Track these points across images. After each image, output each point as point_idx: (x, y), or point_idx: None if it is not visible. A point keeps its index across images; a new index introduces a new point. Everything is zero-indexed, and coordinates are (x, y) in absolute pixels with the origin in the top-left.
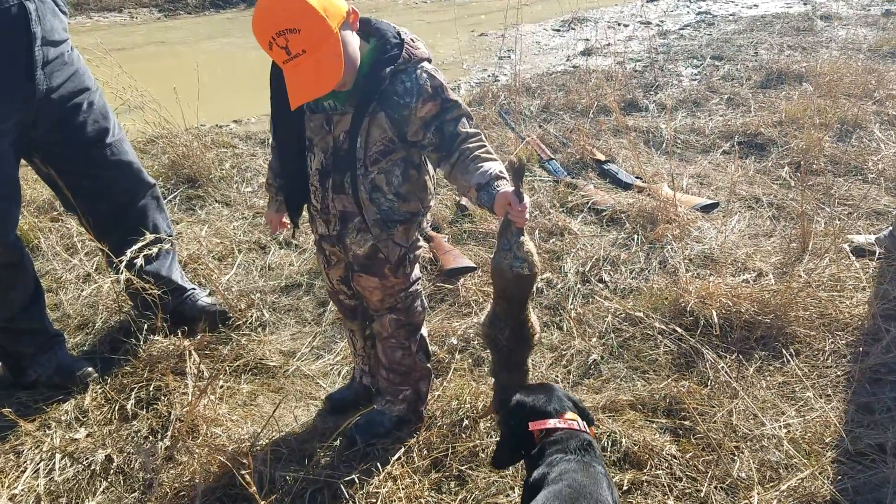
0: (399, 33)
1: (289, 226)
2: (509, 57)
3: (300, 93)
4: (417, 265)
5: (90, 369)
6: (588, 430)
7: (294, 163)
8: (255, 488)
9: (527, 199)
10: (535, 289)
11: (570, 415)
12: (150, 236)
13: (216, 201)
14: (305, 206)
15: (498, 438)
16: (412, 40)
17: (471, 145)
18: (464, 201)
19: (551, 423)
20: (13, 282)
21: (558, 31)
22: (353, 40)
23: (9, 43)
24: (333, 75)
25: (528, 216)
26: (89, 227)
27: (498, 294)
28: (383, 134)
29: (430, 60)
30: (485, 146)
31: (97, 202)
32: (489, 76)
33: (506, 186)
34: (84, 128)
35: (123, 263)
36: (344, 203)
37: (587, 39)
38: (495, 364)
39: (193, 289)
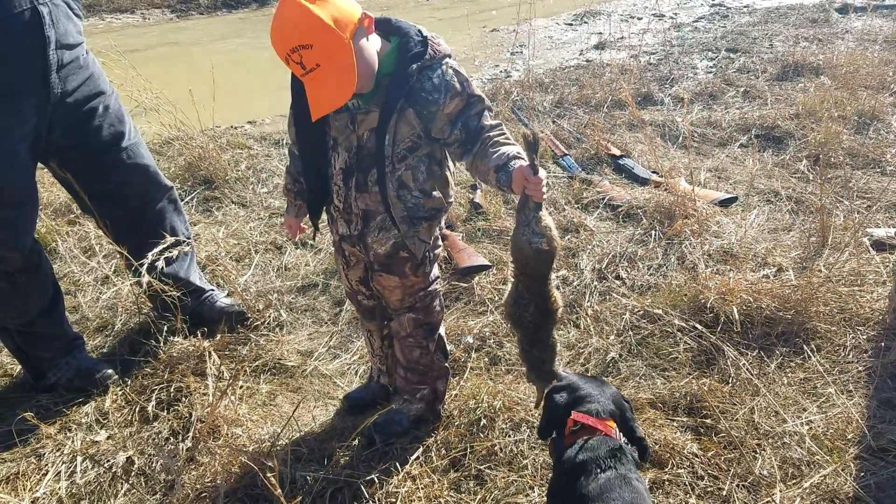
0: (420, 31)
1: (307, 229)
2: (521, 52)
3: (318, 106)
4: (436, 264)
5: (110, 371)
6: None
7: (316, 164)
8: (279, 491)
9: (542, 173)
10: (556, 263)
11: (610, 423)
12: (169, 239)
13: (232, 202)
14: (325, 207)
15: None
16: (433, 37)
17: (491, 134)
18: (478, 198)
19: (591, 421)
20: (32, 286)
21: (571, 25)
22: (369, 45)
23: (23, 47)
24: (348, 87)
25: (545, 189)
26: (106, 230)
27: (519, 271)
28: (411, 130)
29: (451, 56)
30: (504, 133)
31: (114, 205)
32: (501, 72)
33: (523, 164)
34: (100, 131)
35: (144, 267)
36: (367, 202)
37: (600, 33)
38: (523, 342)
39: (212, 290)
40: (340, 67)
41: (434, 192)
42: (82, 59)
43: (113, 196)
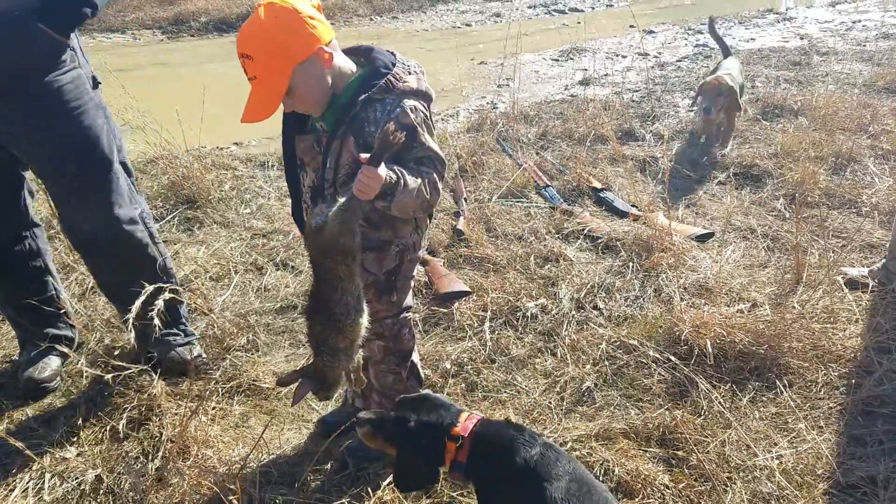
0: (392, 63)
1: None
2: (508, 85)
3: (245, 114)
4: (410, 294)
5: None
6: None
7: (293, 178)
8: None
9: (382, 170)
10: (346, 270)
11: (464, 415)
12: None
13: (214, 222)
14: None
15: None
16: (409, 72)
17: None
18: (460, 225)
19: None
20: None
21: (557, 60)
22: (322, 76)
23: None
24: (266, 109)
25: (371, 187)
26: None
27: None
28: (350, 158)
29: (426, 96)
30: (428, 175)
31: None
32: (488, 103)
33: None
34: None
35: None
36: None
37: (585, 69)
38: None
39: (177, 334)
40: (270, 89)
41: (382, 224)
42: None
43: None
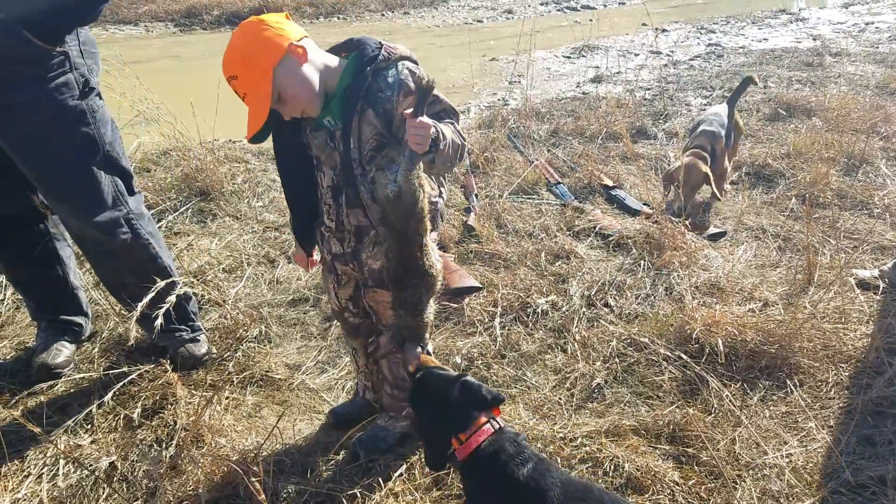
0: (380, 42)
1: (317, 261)
2: (520, 82)
3: (248, 130)
4: None
5: (41, 361)
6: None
7: (300, 188)
8: (263, 496)
9: (425, 118)
10: (425, 225)
11: (482, 419)
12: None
13: (227, 215)
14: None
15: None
16: (389, 43)
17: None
18: (471, 221)
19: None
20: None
21: (569, 58)
22: (303, 72)
23: None
24: (261, 114)
25: (425, 136)
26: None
27: (379, 218)
28: (374, 130)
29: (415, 62)
30: (452, 123)
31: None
32: (499, 100)
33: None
34: None
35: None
36: (359, 217)
37: (598, 67)
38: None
39: (184, 329)
40: (259, 98)
41: None
42: None
43: None
